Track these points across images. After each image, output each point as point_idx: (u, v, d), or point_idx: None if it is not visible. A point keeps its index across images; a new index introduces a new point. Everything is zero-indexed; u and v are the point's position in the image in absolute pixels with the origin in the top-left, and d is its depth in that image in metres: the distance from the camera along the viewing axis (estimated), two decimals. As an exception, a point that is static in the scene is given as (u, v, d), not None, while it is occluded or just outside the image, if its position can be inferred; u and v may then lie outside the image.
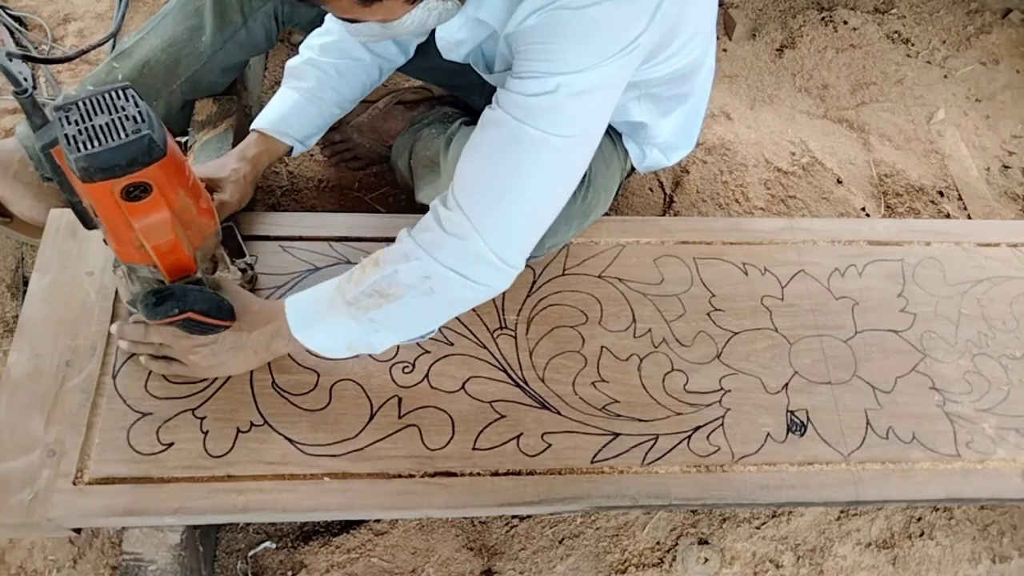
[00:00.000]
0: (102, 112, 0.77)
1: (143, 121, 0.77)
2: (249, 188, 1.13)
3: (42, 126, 0.79)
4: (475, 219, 0.88)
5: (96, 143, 0.75)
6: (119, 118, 0.76)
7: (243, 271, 1.06)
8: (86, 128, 0.76)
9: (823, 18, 1.98)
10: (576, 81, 0.84)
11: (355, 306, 0.92)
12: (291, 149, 1.18)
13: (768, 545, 1.22)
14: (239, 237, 1.07)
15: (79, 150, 0.75)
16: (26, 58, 0.84)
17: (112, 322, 1.03)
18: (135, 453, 0.94)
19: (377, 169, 1.53)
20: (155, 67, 1.23)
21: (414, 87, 1.48)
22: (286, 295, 1.00)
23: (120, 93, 0.78)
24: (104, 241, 0.95)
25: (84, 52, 0.93)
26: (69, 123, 0.76)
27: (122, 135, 0.76)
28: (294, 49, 1.69)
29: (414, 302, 0.91)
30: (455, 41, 1.01)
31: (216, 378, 1.01)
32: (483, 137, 0.89)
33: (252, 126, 1.17)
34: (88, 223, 0.88)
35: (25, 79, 0.78)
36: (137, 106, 0.78)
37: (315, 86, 1.17)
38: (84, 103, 0.77)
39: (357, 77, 1.20)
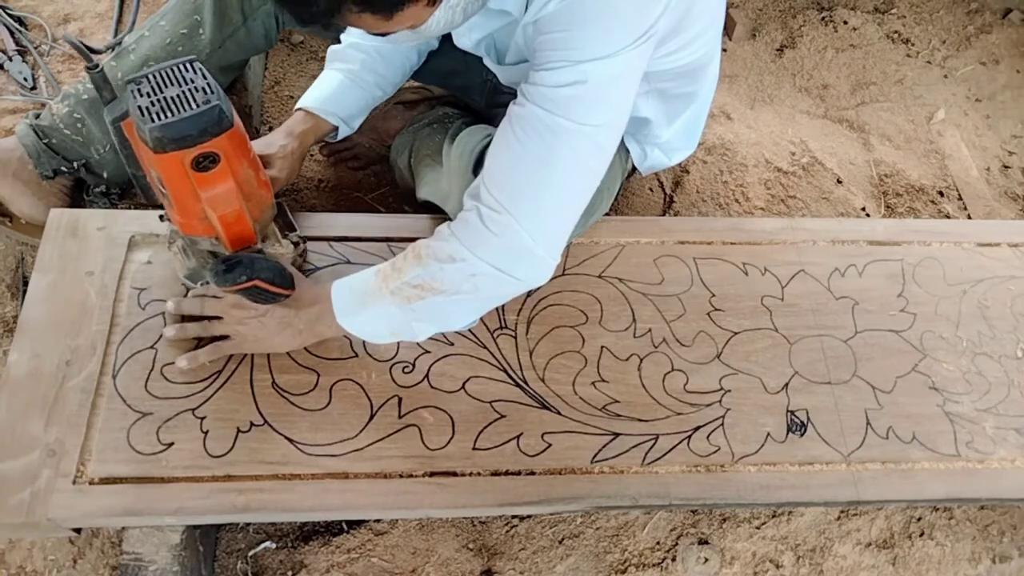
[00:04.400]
0: (172, 84, 0.79)
1: (212, 92, 0.79)
2: (297, 164, 1.15)
3: (112, 100, 0.81)
4: (519, 216, 0.88)
5: (169, 114, 0.77)
6: (189, 90, 0.78)
7: (296, 244, 1.07)
8: (158, 100, 0.77)
9: (823, 18, 1.98)
10: (601, 69, 0.85)
11: (398, 295, 0.94)
12: (336, 129, 1.20)
13: (768, 545, 1.22)
14: (288, 213, 1.08)
15: (153, 120, 0.76)
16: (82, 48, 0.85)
17: (111, 322, 1.03)
18: (135, 453, 0.94)
19: (377, 169, 1.53)
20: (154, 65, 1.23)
21: (414, 87, 1.48)
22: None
23: (188, 66, 0.80)
24: (160, 218, 0.97)
25: (114, 47, 0.94)
26: (141, 95, 0.78)
27: (193, 106, 0.77)
28: (294, 49, 1.70)
29: (458, 298, 0.93)
30: (467, 26, 1.01)
31: (216, 378, 1.01)
32: (514, 132, 0.89)
33: (298, 105, 1.19)
34: (151, 197, 0.90)
35: (97, 59, 0.81)
36: (205, 78, 0.80)
37: (359, 68, 1.19)
38: (154, 76, 0.79)
39: (398, 59, 1.23)
